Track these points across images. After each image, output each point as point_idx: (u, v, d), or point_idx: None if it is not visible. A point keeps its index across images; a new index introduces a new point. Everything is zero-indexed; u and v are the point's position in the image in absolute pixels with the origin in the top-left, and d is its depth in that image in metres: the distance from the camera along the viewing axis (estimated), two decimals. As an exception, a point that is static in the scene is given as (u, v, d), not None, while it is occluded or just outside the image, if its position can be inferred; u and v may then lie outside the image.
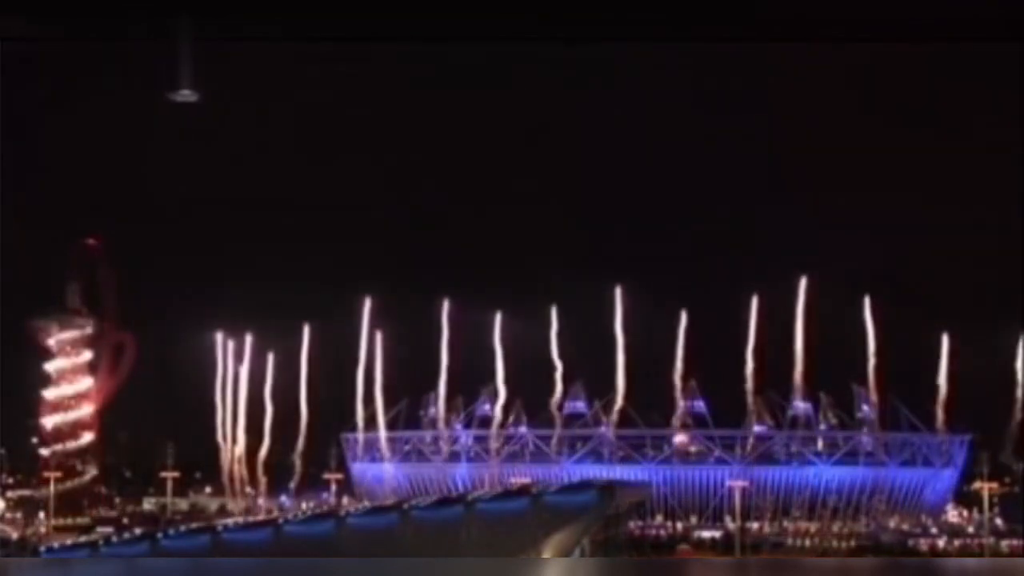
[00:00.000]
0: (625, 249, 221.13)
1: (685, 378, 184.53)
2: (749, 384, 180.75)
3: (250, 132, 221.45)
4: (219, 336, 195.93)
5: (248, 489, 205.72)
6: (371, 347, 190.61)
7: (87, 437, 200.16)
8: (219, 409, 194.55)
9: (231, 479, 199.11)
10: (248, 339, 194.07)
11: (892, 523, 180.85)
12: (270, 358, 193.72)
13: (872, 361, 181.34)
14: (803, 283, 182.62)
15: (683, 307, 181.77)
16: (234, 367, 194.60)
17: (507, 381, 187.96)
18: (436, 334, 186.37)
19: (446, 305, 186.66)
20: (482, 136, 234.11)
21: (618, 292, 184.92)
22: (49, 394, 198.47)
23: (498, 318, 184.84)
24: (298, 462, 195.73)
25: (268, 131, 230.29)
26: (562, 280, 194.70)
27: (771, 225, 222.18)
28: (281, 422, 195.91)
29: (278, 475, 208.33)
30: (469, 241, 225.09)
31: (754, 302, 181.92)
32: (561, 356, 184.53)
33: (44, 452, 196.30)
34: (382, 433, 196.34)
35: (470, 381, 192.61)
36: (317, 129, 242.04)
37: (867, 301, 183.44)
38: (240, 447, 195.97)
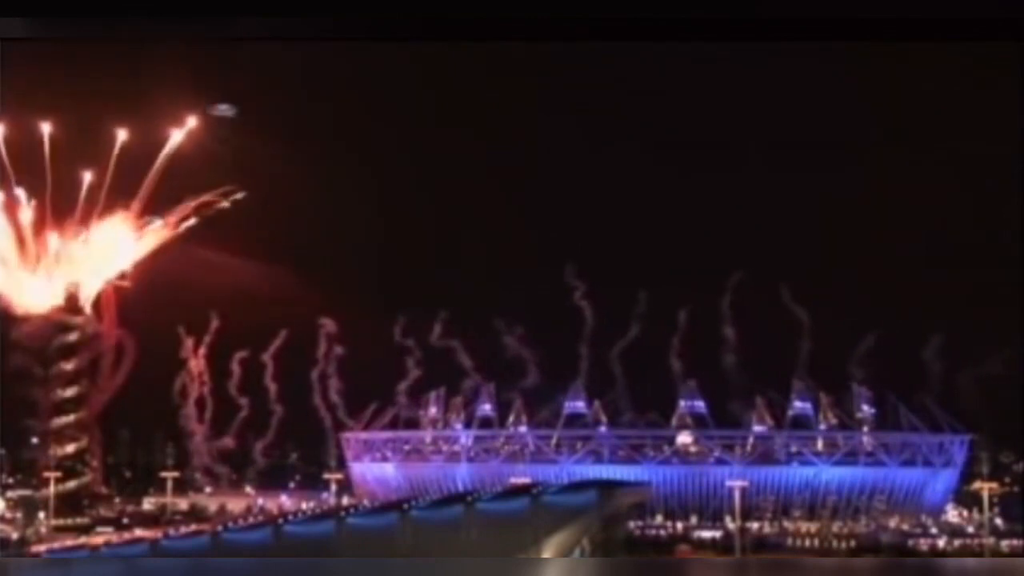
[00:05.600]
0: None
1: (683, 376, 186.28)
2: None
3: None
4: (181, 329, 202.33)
5: (248, 489, 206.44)
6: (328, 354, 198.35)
7: (87, 437, 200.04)
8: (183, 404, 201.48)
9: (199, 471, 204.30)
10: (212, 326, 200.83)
11: (892, 523, 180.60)
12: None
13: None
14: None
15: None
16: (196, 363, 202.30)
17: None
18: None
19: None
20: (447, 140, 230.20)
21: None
22: (49, 394, 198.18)
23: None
24: (260, 458, 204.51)
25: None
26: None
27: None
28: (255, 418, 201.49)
29: (277, 475, 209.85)
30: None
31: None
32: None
33: (45, 453, 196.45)
34: (382, 433, 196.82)
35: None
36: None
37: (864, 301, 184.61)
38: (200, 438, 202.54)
